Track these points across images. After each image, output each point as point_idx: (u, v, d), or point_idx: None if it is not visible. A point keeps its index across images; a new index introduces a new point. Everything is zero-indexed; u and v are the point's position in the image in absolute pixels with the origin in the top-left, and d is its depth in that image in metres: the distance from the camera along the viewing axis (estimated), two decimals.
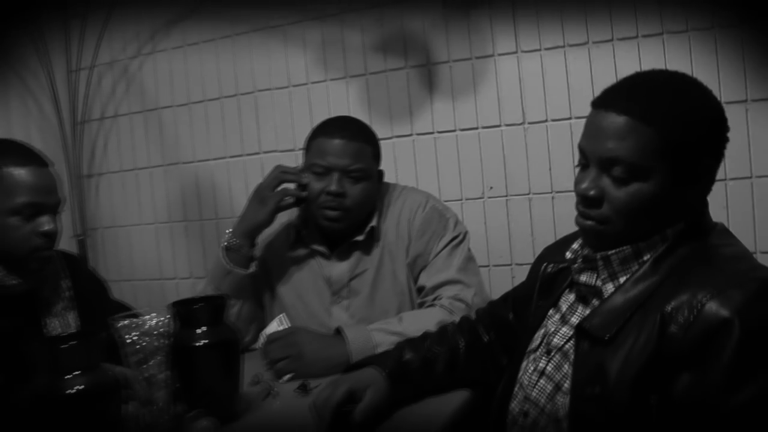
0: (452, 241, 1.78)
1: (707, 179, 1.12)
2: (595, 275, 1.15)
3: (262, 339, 1.65)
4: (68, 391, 1.04)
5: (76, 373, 1.06)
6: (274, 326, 1.65)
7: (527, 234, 2.27)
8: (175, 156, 2.70)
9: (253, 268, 1.77)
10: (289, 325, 1.67)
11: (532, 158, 2.25)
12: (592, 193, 1.09)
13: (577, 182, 1.12)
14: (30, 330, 1.56)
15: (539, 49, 2.22)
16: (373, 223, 1.80)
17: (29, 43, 2.67)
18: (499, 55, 2.27)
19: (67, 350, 1.07)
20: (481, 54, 2.29)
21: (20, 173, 1.47)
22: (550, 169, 2.24)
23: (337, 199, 1.73)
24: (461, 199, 2.32)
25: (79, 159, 2.78)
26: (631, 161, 1.04)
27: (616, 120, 1.05)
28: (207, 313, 1.34)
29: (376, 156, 1.83)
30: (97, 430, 1.07)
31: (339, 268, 1.82)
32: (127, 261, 2.81)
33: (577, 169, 1.15)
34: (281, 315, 1.69)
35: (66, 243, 2.38)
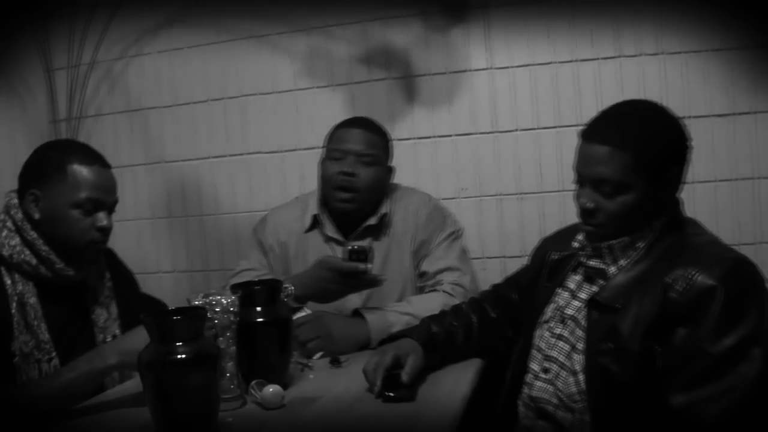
0: (451, 235, 2.04)
1: (676, 182, 1.42)
2: (600, 260, 1.42)
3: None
4: (176, 357, 1.21)
5: (181, 342, 1.23)
6: (302, 314, 1.82)
7: (496, 231, 2.54)
8: (160, 155, 2.82)
9: None
10: (311, 311, 1.85)
11: (502, 163, 2.52)
12: (589, 206, 1.42)
13: (578, 197, 1.45)
14: (80, 317, 1.70)
15: (510, 66, 2.50)
16: (385, 210, 2.03)
17: (20, 41, 2.74)
18: (474, 70, 2.53)
19: (175, 323, 1.24)
20: (457, 69, 2.54)
21: (85, 171, 1.61)
22: (517, 174, 2.51)
23: (349, 179, 1.98)
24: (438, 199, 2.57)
25: None
26: (615, 180, 1.36)
27: (601, 149, 1.38)
28: (264, 294, 1.53)
29: (387, 150, 2.10)
30: (197, 390, 1.24)
31: None
32: None
33: (576, 186, 1.48)
34: (306, 305, 1.87)
35: None
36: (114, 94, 2.86)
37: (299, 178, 2.69)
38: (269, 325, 1.50)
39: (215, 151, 2.77)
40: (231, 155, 2.76)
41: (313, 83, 2.67)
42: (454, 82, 2.54)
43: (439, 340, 1.62)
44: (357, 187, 1.99)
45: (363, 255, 1.77)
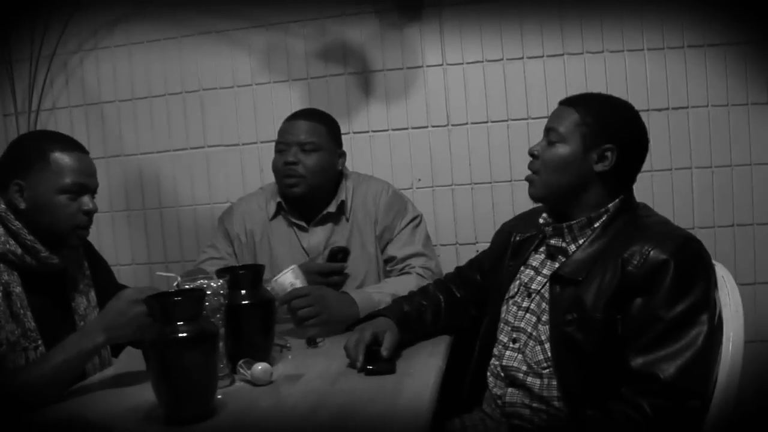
0: (413, 221, 2.17)
1: (620, 165, 1.55)
2: (561, 239, 1.57)
3: (271, 285, 1.85)
4: (177, 335, 1.29)
5: (183, 321, 1.31)
6: (290, 277, 1.87)
7: (450, 219, 2.68)
8: (118, 149, 2.85)
9: None
10: (303, 278, 1.91)
11: (455, 155, 2.66)
12: (534, 151, 1.61)
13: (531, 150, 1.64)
14: (61, 306, 1.75)
15: (462, 63, 2.64)
16: (343, 197, 2.15)
17: None
18: (428, 66, 2.66)
19: (176, 304, 1.32)
20: (411, 65, 2.67)
21: (67, 157, 1.66)
22: (469, 165, 2.65)
23: (292, 168, 2.10)
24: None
25: None
26: (556, 128, 1.56)
27: (561, 108, 1.60)
28: (249, 278, 1.61)
29: (333, 136, 2.21)
30: (198, 367, 1.32)
31: (315, 239, 2.17)
32: None
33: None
34: (294, 266, 1.92)
35: None
36: (70, 88, 2.87)
37: (258, 171, 2.76)
38: (254, 307, 1.59)
39: (174, 145, 2.82)
40: (191, 148, 2.81)
41: (271, 78, 2.75)
42: (409, 77, 2.67)
43: (411, 318, 1.74)
44: (300, 173, 2.10)
45: (342, 254, 1.88)
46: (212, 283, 1.51)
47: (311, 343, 1.79)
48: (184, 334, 1.29)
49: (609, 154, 1.54)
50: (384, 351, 1.57)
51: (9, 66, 2.78)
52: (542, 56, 2.60)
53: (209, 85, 2.79)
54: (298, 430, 1.26)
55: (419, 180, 2.69)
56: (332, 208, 2.17)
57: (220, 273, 1.60)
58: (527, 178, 1.63)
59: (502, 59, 2.62)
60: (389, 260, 2.16)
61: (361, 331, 1.62)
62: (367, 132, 2.70)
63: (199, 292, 1.38)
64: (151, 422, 1.33)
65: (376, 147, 2.69)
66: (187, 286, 1.49)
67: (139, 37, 2.81)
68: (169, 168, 2.83)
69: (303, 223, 2.18)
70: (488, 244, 1.95)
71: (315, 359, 1.68)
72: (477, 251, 2.09)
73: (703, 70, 2.56)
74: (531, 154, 1.62)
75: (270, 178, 2.44)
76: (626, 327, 1.40)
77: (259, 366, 1.51)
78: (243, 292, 1.59)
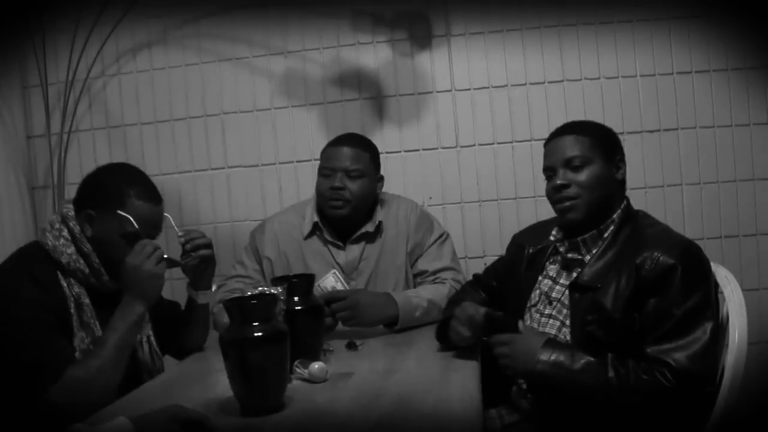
0: (440, 238, 2.35)
1: (623, 172, 1.80)
2: (577, 252, 1.77)
3: (318, 290, 2.04)
4: (254, 335, 1.44)
5: (257, 323, 1.45)
6: (331, 281, 2.07)
7: (460, 234, 2.85)
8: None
9: None
10: (343, 281, 2.10)
11: (464, 174, 2.85)
12: (563, 182, 1.74)
13: (551, 186, 1.79)
14: None
15: (470, 88, 2.84)
16: (380, 218, 2.31)
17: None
18: (438, 91, 2.86)
19: (252, 306, 1.47)
20: (423, 90, 2.86)
21: (141, 207, 1.78)
22: (477, 183, 2.84)
23: (339, 192, 2.24)
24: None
25: (33, 171, 2.98)
26: (581, 154, 1.74)
27: (566, 138, 1.78)
28: (302, 286, 1.77)
29: (375, 162, 2.36)
30: (272, 364, 1.46)
31: (350, 255, 2.31)
32: None
33: (546, 183, 1.83)
34: (334, 270, 2.13)
35: None
36: (93, 111, 3.00)
37: (278, 191, 2.91)
38: (307, 312, 1.74)
39: (196, 166, 2.96)
40: (212, 169, 2.96)
41: (289, 102, 2.91)
42: (420, 102, 2.85)
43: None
44: (346, 198, 2.25)
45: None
46: (272, 290, 1.66)
47: (351, 346, 1.94)
48: (260, 334, 1.44)
49: (621, 163, 1.79)
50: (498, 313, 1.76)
51: (44, 89, 2.89)
52: (543, 82, 2.80)
53: (230, 108, 2.94)
54: (365, 418, 1.40)
55: (430, 198, 2.87)
56: (370, 227, 2.32)
57: (276, 281, 1.76)
58: (566, 208, 1.76)
59: (506, 85, 2.82)
60: (420, 274, 2.33)
61: (475, 308, 1.79)
62: (381, 153, 2.86)
63: (273, 296, 1.53)
64: (227, 414, 1.46)
65: (389, 167, 2.86)
66: (249, 293, 1.63)
67: (162, 62, 2.96)
68: (190, 188, 2.97)
69: (339, 242, 2.33)
70: (496, 257, 2.18)
71: (358, 360, 1.83)
72: (485, 264, 2.27)
73: (709, 94, 2.79)
74: (562, 186, 1.75)
75: (288, 197, 2.61)
76: (643, 323, 1.61)
77: (316, 365, 1.65)
78: (296, 298, 1.74)
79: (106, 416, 1.37)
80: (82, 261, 1.76)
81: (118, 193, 1.77)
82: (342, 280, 2.08)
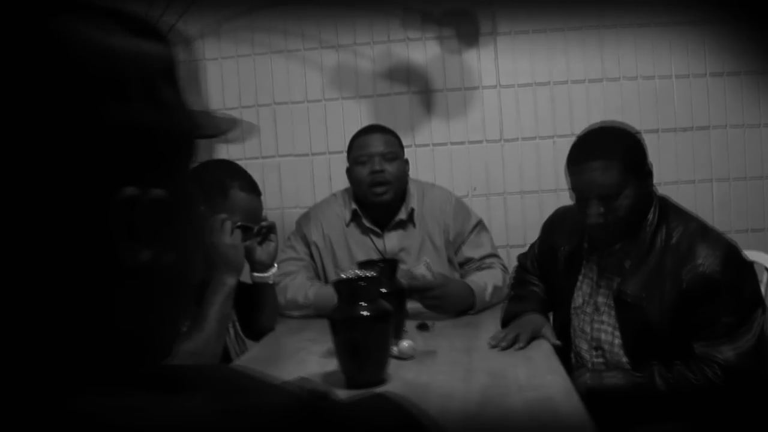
0: (478, 225, 2.49)
1: (650, 174, 1.82)
2: (614, 257, 1.84)
3: (407, 275, 2.16)
4: (361, 314, 1.57)
5: (364, 303, 1.58)
6: (422, 269, 2.19)
7: (502, 223, 2.99)
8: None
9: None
10: (433, 269, 2.22)
11: (507, 167, 2.98)
12: (600, 220, 1.74)
13: (585, 215, 1.77)
14: None
15: (514, 85, 2.97)
16: (412, 204, 2.44)
17: None
18: (484, 87, 2.98)
19: (359, 287, 1.60)
20: (469, 86, 2.98)
21: (244, 198, 1.90)
22: (520, 175, 2.98)
23: (381, 175, 2.35)
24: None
25: None
26: (615, 184, 1.70)
27: (594, 164, 1.71)
28: (387, 270, 1.90)
29: (402, 146, 2.49)
30: (377, 340, 1.59)
31: (390, 243, 2.44)
32: None
33: (575, 200, 1.86)
34: (426, 260, 2.27)
35: None
36: None
37: (327, 179, 3.04)
38: (392, 295, 1.87)
39: (248, 154, 3.06)
40: (263, 157, 3.07)
41: (340, 95, 3.03)
42: (467, 97, 2.98)
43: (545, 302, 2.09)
44: (388, 180, 2.37)
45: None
46: (368, 274, 1.78)
47: (423, 327, 2.07)
48: (368, 313, 1.57)
49: (649, 171, 1.80)
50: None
51: None
52: (584, 80, 2.94)
53: (282, 99, 3.05)
54: (468, 389, 1.53)
55: (475, 188, 3.00)
56: (403, 215, 2.44)
57: (363, 265, 1.89)
58: (600, 231, 1.78)
59: (549, 83, 2.95)
60: (466, 262, 2.45)
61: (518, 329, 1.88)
62: (429, 145, 3.00)
63: (377, 278, 1.65)
64: (333, 387, 1.58)
65: (437, 159, 3.00)
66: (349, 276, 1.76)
67: (214, 53, 3.06)
68: None
69: (377, 229, 2.45)
70: None
71: (434, 340, 1.96)
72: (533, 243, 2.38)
73: (723, 95, 2.93)
74: (598, 225, 1.75)
75: (337, 185, 2.73)
76: (690, 328, 1.70)
77: (405, 343, 1.79)
78: (384, 282, 1.87)
79: None
80: None
81: (221, 185, 1.88)
82: (432, 269, 2.21)
